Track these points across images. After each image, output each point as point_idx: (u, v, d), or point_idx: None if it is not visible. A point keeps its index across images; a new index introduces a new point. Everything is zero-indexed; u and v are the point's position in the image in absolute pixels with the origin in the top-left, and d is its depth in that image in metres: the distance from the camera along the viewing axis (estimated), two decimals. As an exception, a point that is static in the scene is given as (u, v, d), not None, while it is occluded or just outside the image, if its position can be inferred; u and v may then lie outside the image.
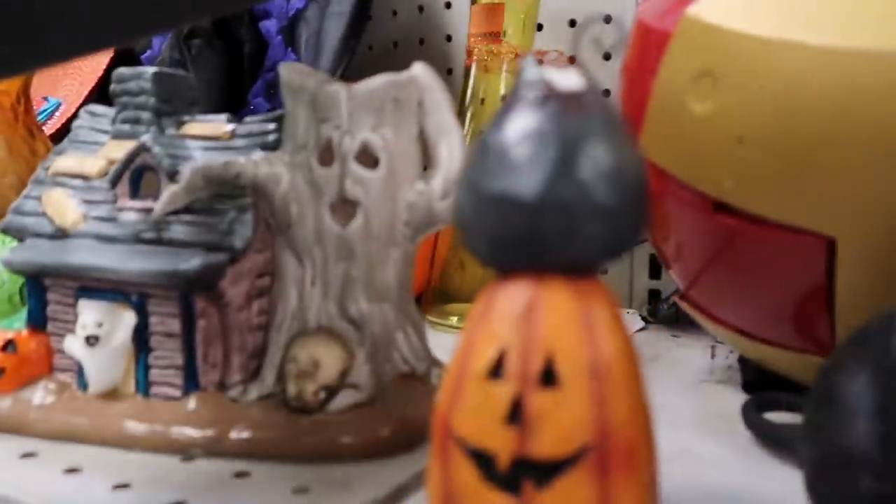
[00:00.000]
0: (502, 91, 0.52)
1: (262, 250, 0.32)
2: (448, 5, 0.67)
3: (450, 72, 0.68)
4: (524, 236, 0.19)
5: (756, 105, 0.26)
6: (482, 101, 0.52)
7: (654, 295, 0.56)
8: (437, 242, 0.52)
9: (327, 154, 0.31)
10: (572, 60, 0.55)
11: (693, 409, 0.35)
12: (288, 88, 0.32)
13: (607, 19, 0.57)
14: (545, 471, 0.18)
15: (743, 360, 0.39)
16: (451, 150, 0.32)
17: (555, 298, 0.19)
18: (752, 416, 0.30)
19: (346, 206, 0.31)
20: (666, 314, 0.54)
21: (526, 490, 0.18)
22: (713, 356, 0.44)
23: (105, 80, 0.76)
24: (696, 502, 0.25)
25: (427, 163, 0.33)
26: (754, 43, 0.26)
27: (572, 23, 0.59)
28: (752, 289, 0.31)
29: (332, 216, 0.31)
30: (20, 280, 0.39)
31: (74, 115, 0.73)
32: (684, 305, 0.38)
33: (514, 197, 0.19)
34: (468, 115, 0.53)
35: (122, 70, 0.36)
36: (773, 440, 0.28)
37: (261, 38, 0.64)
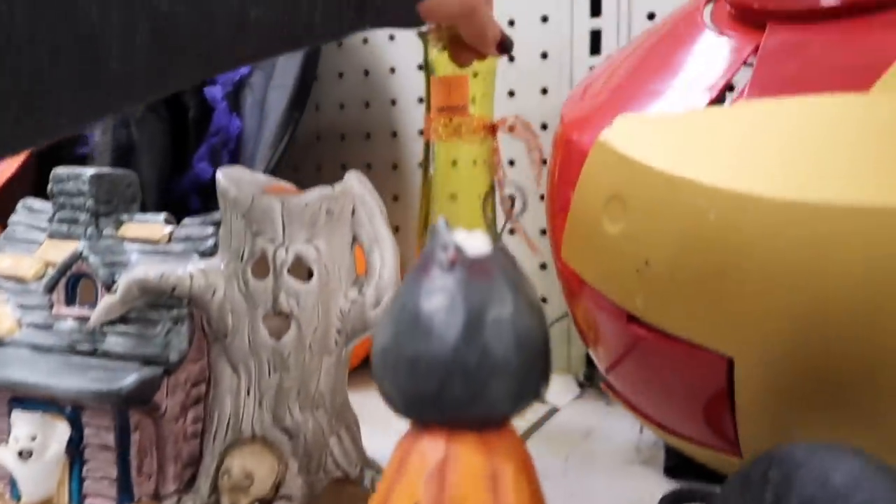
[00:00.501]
0: (473, 156, 0.53)
1: (197, 359, 0.33)
2: (392, 70, 0.69)
3: (394, 134, 0.70)
4: (435, 395, 0.20)
5: (660, 233, 0.28)
6: (454, 162, 0.53)
7: (591, 360, 0.58)
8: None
9: (262, 266, 0.32)
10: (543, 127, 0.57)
11: (616, 496, 0.36)
12: (224, 198, 0.33)
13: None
14: None
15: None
16: (384, 259, 0.34)
17: (464, 455, 0.21)
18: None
19: (279, 319, 0.32)
20: (601, 379, 0.56)
21: None
22: (641, 431, 0.45)
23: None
24: None
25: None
26: (657, 177, 0.28)
27: (544, 91, 0.61)
28: (662, 390, 0.33)
29: (266, 328, 0.32)
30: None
31: (17, 175, 0.72)
32: (607, 391, 0.40)
33: (425, 359, 0.20)
34: (438, 179, 0.53)
35: (60, 170, 0.36)
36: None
37: (205, 104, 0.65)
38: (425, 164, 0.55)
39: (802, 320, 0.26)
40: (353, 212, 0.34)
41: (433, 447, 0.21)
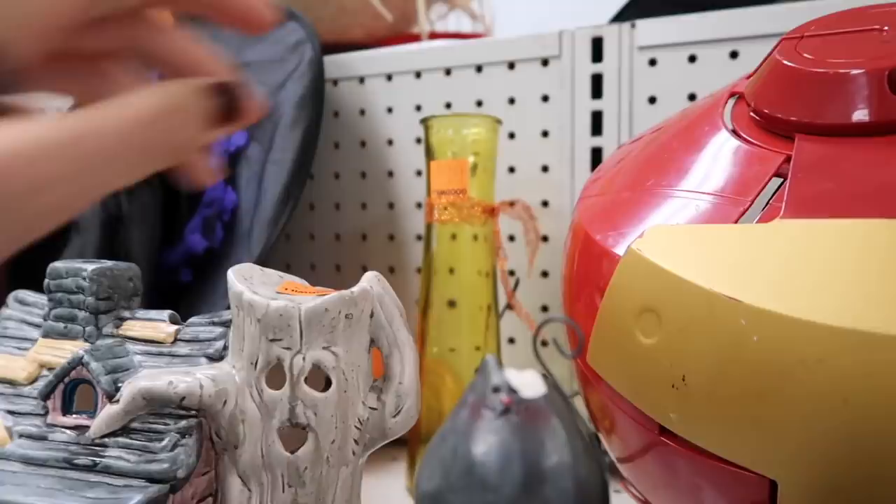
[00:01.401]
0: (472, 232, 0.53)
1: (204, 472, 0.31)
2: (390, 142, 0.68)
3: (391, 206, 0.69)
4: None
5: (697, 349, 0.28)
6: (454, 237, 0.53)
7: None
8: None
9: (277, 375, 0.31)
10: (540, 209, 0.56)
11: None
12: (237, 301, 0.32)
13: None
14: None
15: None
16: (404, 364, 0.32)
17: None
18: None
19: (295, 431, 0.30)
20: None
21: None
22: None
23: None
24: None
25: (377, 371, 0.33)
26: (695, 291, 0.27)
27: (545, 168, 0.61)
28: (688, 499, 0.32)
29: (281, 440, 0.30)
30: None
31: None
32: (624, 489, 0.38)
33: (483, 500, 0.19)
34: (437, 255, 0.53)
35: (58, 265, 0.35)
36: None
37: (199, 174, 0.64)
38: (426, 240, 0.54)
39: (848, 447, 0.25)
40: (372, 314, 0.33)
41: None
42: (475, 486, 0.19)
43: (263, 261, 0.56)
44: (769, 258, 0.27)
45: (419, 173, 0.67)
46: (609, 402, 0.34)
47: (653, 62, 0.56)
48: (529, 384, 0.21)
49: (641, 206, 0.34)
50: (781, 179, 0.30)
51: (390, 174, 0.69)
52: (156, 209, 0.63)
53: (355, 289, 0.32)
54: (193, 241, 0.63)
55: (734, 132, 0.34)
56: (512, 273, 0.62)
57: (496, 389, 0.20)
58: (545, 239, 0.61)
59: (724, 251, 0.28)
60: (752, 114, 0.34)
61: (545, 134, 0.61)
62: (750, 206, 0.30)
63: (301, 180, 0.59)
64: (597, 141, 0.58)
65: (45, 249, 0.69)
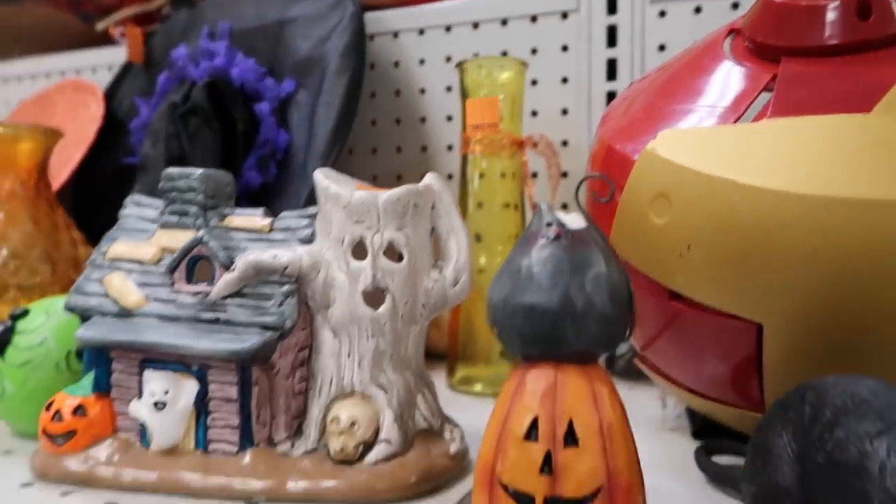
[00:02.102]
0: (500, 169, 0.60)
1: (304, 327, 0.38)
2: (422, 91, 0.75)
3: (424, 149, 0.76)
4: (547, 336, 0.26)
5: (699, 222, 0.35)
6: (482, 175, 0.60)
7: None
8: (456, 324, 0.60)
9: (360, 250, 0.38)
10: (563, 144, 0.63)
11: (652, 454, 0.42)
12: (325, 194, 0.39)
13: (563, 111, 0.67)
14: None
15: (690, 411, 0.48)
16: (460, 246, 0.40)
17: (570, 380, 0.27)
18: (702, 460, 0.38)
19: (376, 293, 0.38)
20: (622, 368, 0.62)
21: None
22: (664, 406, 0.52)
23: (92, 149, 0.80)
24: None
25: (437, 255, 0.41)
26: (699, 177, 0.35)
27: (564, 111, 0.68)
28: (696, 357, 0.39)
29: (365, 301, 0.38)
30: (66, 348, 0.44)
31: (64, 186, 0.77)
32: (640, 364, 0.46)
33: (540, 307, 0.26)
34: (474, 188, 0.60)
35: (171, 170, 0.42)
36: (721, 480, 0.36)
37: (253, 118, 0.71)
38: (462, 171, 0.61)
39: (819, 291, 0.33)
40: (433, 206, 0.40)
41: (545, 375, 0.27)
42: (535, 287, 0.26)
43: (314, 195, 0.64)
44: (756, 147, 0.34)
45: (450, 119, 0.74)
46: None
47: (662, 14, 0.63)
48: (574, 221, 0.28)
49: (654, 121, 0.41)
50: (770, 93, 0.37)
51: (423, 120, 0.76)
52: (215, 149, 0.70)
53: (421, 184, 0.40)
54: (250, 177, 0.70)
55: (732, 58, 0.41)
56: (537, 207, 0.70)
57: (549, 224, 0.28)
58: (565, 175, 0.68)
59: (721, 145, 0.35)
60: (746, 43, 0.41)
61: (565, 80, 0.68)
62: (744, 112, 0.37)
63: (348, 121, 0.66)
64: (611, 86, 0.65)
65: (113, 187, 0.77)
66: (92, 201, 0.82)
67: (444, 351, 0.62)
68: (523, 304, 0.27)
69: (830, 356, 0.33)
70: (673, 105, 0.41)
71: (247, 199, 0.70)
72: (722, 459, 0.39)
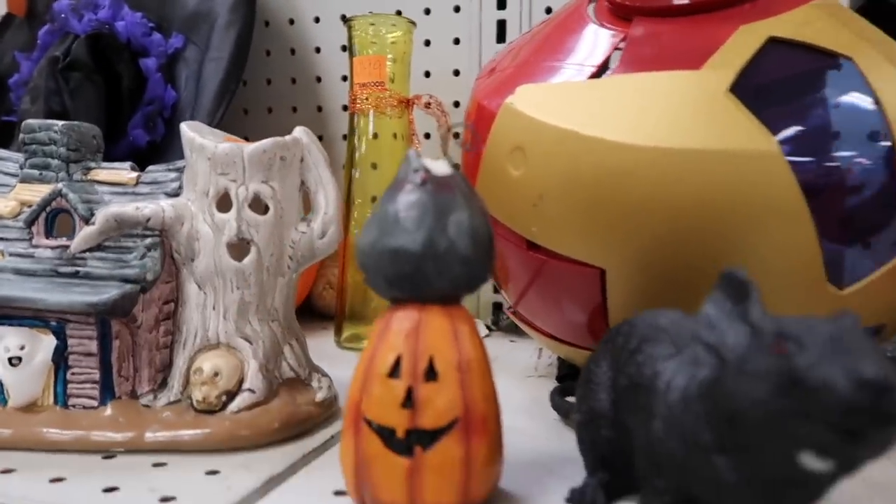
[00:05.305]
0: (393, 130, 0.60)
1: (167, 281, 0.38)
2: (318, 50, 0.75)
3: (319, 109, 0.76)
4: (411, 277, 0.27)
5: (551, 174, 0.36)
6: (375, 135, 0.60)
7: (497, 307, 0.67)
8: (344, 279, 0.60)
9: (225, 202, 0.38)
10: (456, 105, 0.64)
11: (520, 398, 0.45)
12: (191, 146, 0.39)
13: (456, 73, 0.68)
14: (430, 437, 0.27)
15: (560, 359, 0.50)
16: (328, 198, 0.40)
17: (433, 319, 0.28)
18: (556, 399, 0.40)
19: (241, 244, 0.38)
20: (506, 323, 0.65)
21: (416, 452, 0.27)
22: (539, 357, 0.54)
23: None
24: (520, 463, 0.34)
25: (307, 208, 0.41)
26: (549, 130, 0.36)
27: (456, 72, 0.68)
28: (556, 305, 0.41)
29: (230, 252, 0.38)
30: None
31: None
32: (514, 319, 0.48)
33: (405, 249, 0.27)
34: (361, 149, 0.60)
35: (31, 122, 0.41)
36: (568, 415, 0.39)
37: (140, 74, 0.69)
38: (350, 135, 0.61)
39: (655, 236, 0.35)
40: (302, 160, 0.41)
41: (409, 316, 0.28)
42: (400, 231, 0.27)
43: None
44: (602, 102, 0.36)
45: (345, 79, 0.74)
46: (498, 245, 0.43)
47: (549, -24, 0.64)
48: (440, 168, 0.29)
49: (519, 77, 0.42)
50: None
51: (318, 80, 0.75)
52: (99, 106, 0.68)
53: (288, 137, 0.40)
54: (137, 135, 0.68)
55: (594, 19, 0.42)
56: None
57: (416, 170, 0.28)
58: (456, 136, 0.69)
59: (571, 100, 0.37)
60: (606, 3, 0.42)
61: (457, 41, 0.69)
62: (597, 70, 0.39)
63: (236, 77, 0.65)
64: (501, 47, 0.67)
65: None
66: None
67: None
68: (389, 247, 0.27)
69: (667, 297, 0.36)
70: (539, 64, 0.43)
71: (133, 158, 0.68)
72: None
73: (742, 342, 0.21)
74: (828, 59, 0.35)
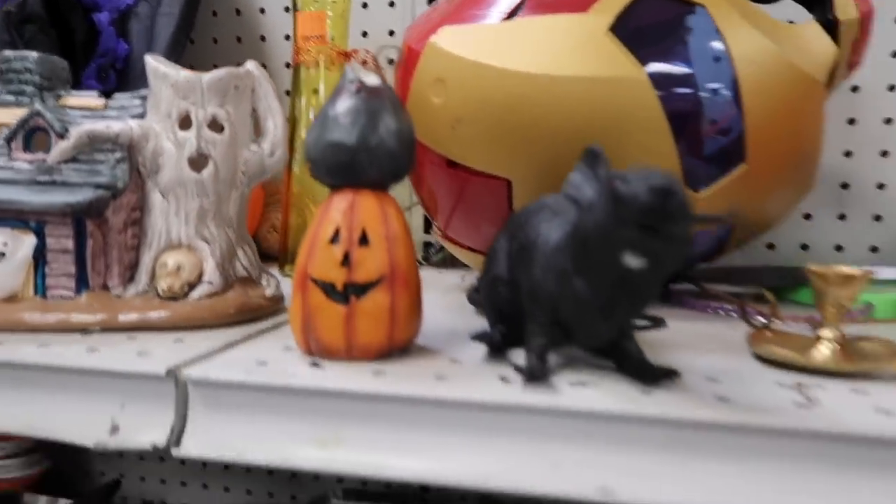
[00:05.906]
0: (334, 85, 0.65)
1: (135, 191, 0.44)
2: (262, 10, 0.80)
3: (264, 66, 0.81)
4: (347, 165, 0.34)
5: (467, 100, 0.44)
6: (316, 91, 0.66)
7: (427, 245, 0.74)
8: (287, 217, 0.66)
9: (186, 122, 0.44)
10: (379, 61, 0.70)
11: (446, 302, 0.52)
12: (155, 73, 0.44)
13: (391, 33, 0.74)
14: (362, 289, 0.33)
15: (479, 277, 0.57)
16: (276, 124, 0.46)
17: (365, 200, 0.34)
18: (472, 295, 0.48)
19: (200, 159, 0.44)
20: (435, 260, 0.72)
21: (352, 301, 0.33)
22: (463, 280, 0.62)
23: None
24: (437, 331, 0.41)
25: (257, 132, 0.47)
26: (467, 63, 0.43)
27: (391, 32, 0.75)
28: (474, 218, 0.49)
29: (190, 166, 0.44)
30: None
31: None
32: (445, 243, 0.55)
33: (343, 143, 0.34)
34: (303, 104, 0.65)
35: (7, 52, 0.46)
36: (479, 305, 0.46)
37: (92, 28, 0.73)
38: (294, 92, 0.67)
39: (552, 149, 0.42)
40: (253, 91, 0.47)
41: (346, 198, 0.35)
42: (339, 128, 0.33)
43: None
44: (510, 39, 0.43)
45: (288, 38, 0.79)
46: (424, 171, 0.50)
47: (475, -53, 0.71)
48: (373, 79, 0.36)
49: (444, 22, 0.49)
50: None
51: (262, 39, 0.81)
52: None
53: (241, 68, 0.46)
54: (90, 86, 0.72)
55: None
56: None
57: (352, 81, 0.35)
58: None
59: (486, 38, 0.44)
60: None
61: (392, 4, 0.75)
62: (510, 14, 0.46)
63: (187, 32, 0.70)
64: (433, 10, 0.73)
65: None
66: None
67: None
68: (330, 141, 0.34)
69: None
70: (463, 11, 0.50)
71: (87, 106, 0.72)
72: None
73: (593, 191, 0.29)
74: (687, 7, 0.43)
